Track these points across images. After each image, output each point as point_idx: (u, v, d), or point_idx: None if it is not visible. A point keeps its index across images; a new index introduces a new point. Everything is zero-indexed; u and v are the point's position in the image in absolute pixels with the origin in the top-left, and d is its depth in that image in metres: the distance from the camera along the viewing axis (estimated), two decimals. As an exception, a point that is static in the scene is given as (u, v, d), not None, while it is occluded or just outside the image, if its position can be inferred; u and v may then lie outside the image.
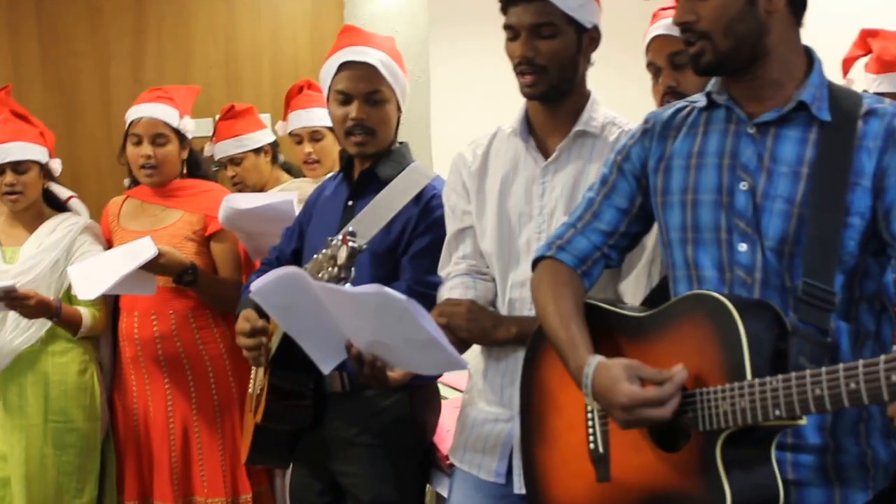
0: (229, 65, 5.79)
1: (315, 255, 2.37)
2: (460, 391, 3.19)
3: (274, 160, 4.43)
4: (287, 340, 2.67)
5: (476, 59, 4.81)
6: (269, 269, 3.02)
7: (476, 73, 4.84)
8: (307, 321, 2.27)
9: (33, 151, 3.66)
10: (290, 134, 4.13)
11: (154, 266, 3.39)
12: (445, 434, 2.88)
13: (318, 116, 4.01)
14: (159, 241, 3.50)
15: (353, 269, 2.23)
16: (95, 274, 3.40)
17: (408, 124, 4.95)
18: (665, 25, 2.58)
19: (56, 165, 3.77)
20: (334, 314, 2.18)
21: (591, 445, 2.01)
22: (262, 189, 4.27)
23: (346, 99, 2.80)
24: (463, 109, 4.83)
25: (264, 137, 4.36)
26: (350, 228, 2.29)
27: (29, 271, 3.58)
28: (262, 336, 2.80)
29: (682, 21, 1.95)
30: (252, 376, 3.14)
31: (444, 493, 2.73)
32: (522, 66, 2.34)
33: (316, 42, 5.95)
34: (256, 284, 2.25)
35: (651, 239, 2.27)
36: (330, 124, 3.72)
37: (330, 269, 2.24)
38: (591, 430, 2.02)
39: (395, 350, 2.19)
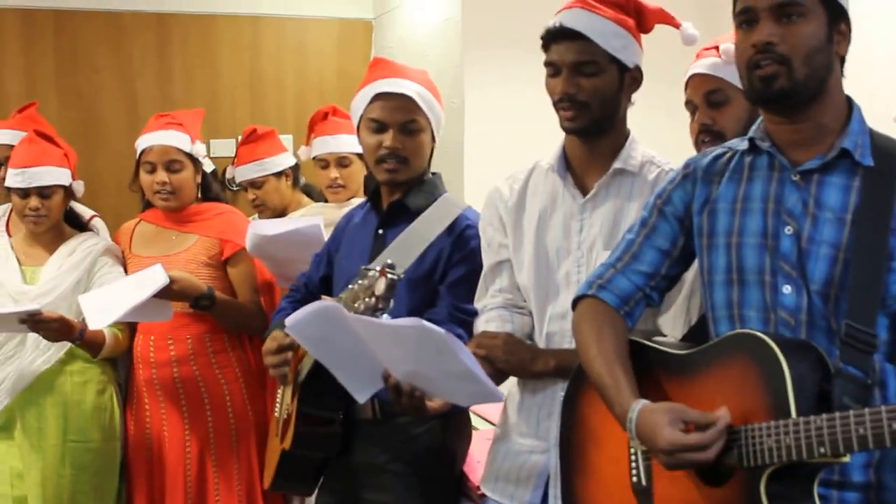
0: (254, 85, 5.97)
1: (350, 286, 2.45)
2: (490, 422, 3.30)
3: (295, 183, 4.55)
4: (317, 367, 2.79)
5: (510, 84, 4.92)
6: (297, 294, 3.20)
7: (510, 97, 4.95)
8: (342, 352, 2.36)
9: (58, 175, 3.75)
10: (313, 158, 4.22)
11: (169, 292, 3.50)
12: (475, 464, 2.97)
13: (345, 142, 4.11)
14: (175, 266, 3.63)
15: (391, 300, 2.31)
16: (107, 303, 3.50)
17: (441, 149, 5.09)
18: (703, 65, 2.70)
19: (79, 187, 3.87)
20: (371, 346, 2.28)
21: (634, 479, 2.10)
22: (283, 212, 4.40)
23: (379, 127, 2.91)
24: (496, 134, 4.94)
25: (285, 161, 4.48)
26: (389, 260, 2.37)
27: (50, 292, 3.67)
28: (287, 352, 2.89)
29: (764, 41, 2.00)
30: (278, 400, 3.23)
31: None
32: (564, 103, 2.45)
33: (343, 64, 6.14)
34: (291, 319, 2.34)
35: (690, 274, 2.36)
36: (357, 150, 3.89)
37: (367, 299, 2.32)
38: (633, 464, 2.11)
39: (433, 380, 2.28)
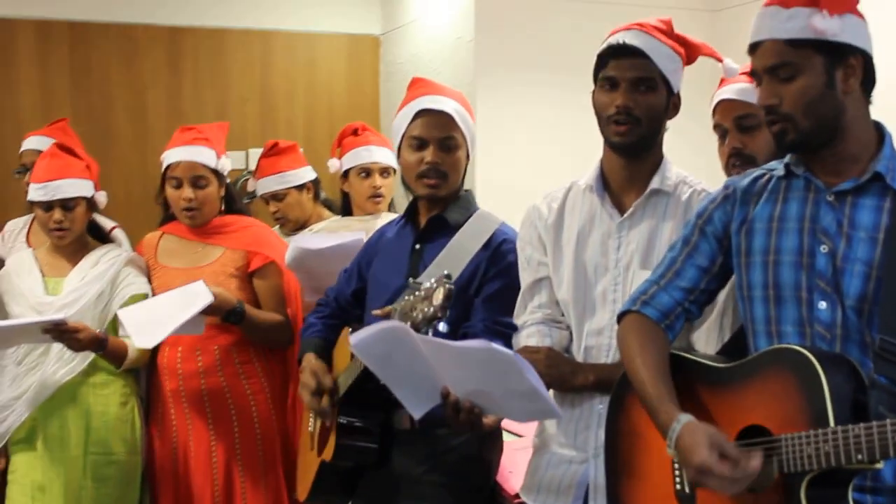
0: (264, 99, 6.12)
1: (406, 297, 2.60)
2: (516, 434, 3.45)
3: (315, 197, 4.69)
4: (357, 382, 2.95)
5: (521, 103, 5.09)
6: (326, 309, 3.36)
7: (521, 116, 5.12)
8: (402, 370, 2.48)
9: (81, 187, 3.85)
10: (347, 170, 4.35)
11: (208, 308, 3.62)
12: (507, 474, 3.13)
13: (387, 155, 4.29)
14: (201, 277, 3.74)
15: (448, 309, 2.47)
16: (150, 319, 3.61)
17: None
18: (732, 90, 2.87)
19: (101, 198, 3.96)
20: (433, 364, 2.41)
21: (678, 486, 2.26)
22: (304, 225, 4.53)
23: (420, 144, 3.06)
24: (507, 152, 5.09)
25: (307, 174, 4.62)
26: (446, 272, 2.53)
27: (73, 304, 3.77)
28: (329, 396, 3.04)
29: (767, 104, 2.23)
30: (311, 415, 3.37)
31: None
32: (619, 116, 2.61)
33: (352, 79, 6.31)
34: (356, 338, 2.46)
35: (722, 294, 2.53)
36: (393, 165, 4.07)
37: (426, 309, 2.47)
38: (677, 471, 2.27)
39: (494, 398, 2.41)
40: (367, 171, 4.28)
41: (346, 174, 4.36)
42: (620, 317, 2.46)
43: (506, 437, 3.60)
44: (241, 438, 3.89)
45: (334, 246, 3.73)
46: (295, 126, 6.05)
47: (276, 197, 4.53)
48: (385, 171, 4.30)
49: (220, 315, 3.72)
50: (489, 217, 3.13)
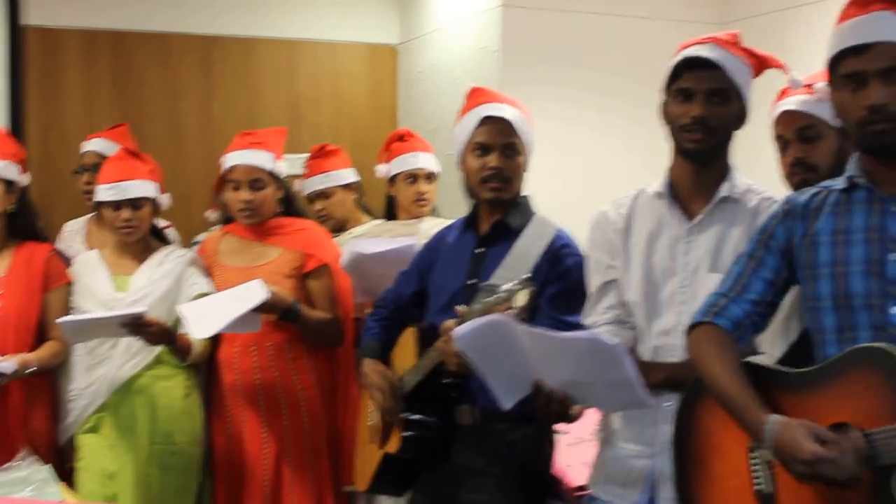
0: (290, 106, 6.14)
1: (485, 298, 2.63)
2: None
3: (357, 199, 4.72)
4: (424, 380, 2.99)
5: (546, 112, 5.11)
6: (384, 311, 3.41)
7: (546, 125, 5.14)
8: (498, 361, 2.51)
9: (147, 188, 3.91)
10: (394, 176, 4.39)
11: (262, 305, 3.66)
12: (565, 468, 3.17)
13: (432, 161, 4.34)
14: (258, 276, 3.78)
15: (531, 310, 2.51)
16: (208, 314, 3.65)
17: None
18: (794, 102, 2.90)
19: (165, 200, 4.02)
20: (532, 355, 2.44)
21: (758, 486, 2.28)
22: (344, 226, 4.56)
23: (484, 150, 3.10)
24: (533, 162, 5.10)
25: (352, 176, 4.67)
26: (528, 275, 2.57)
27: (142, 300, 3.80)
28: (394, 393, 3.12)
29: (877, 104, 2.24)
30: (371, 410, 3.40)
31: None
32: (695, 125, 2.64)
33: (372, 87, 6.36)
34: (459, 331, 2.50)
35: (788, 298, 2.56)
36: (437, 171, 4.11)
37: (509, 310, 2.52)
38: (756, 472, 2.29)
39: (589, 389, 2.45)
40: (413, 177, 4.32)
41: (392, 179, 4.38)
42: (691, 328, 2.49)
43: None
44: (290, 430, 3.93)
45: (389, 250, 3.77)
46: (319, 132, 6.04)
47: (324, 195, 4.56)
48: (430, 177, 4.34)
49: (277, 313, 3.76)
50: (547, 222, 3.17)
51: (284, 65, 6.16)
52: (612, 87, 5.47)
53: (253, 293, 3.64)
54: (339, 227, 4.57)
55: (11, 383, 3.75)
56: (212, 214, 4.73)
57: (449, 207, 4.79)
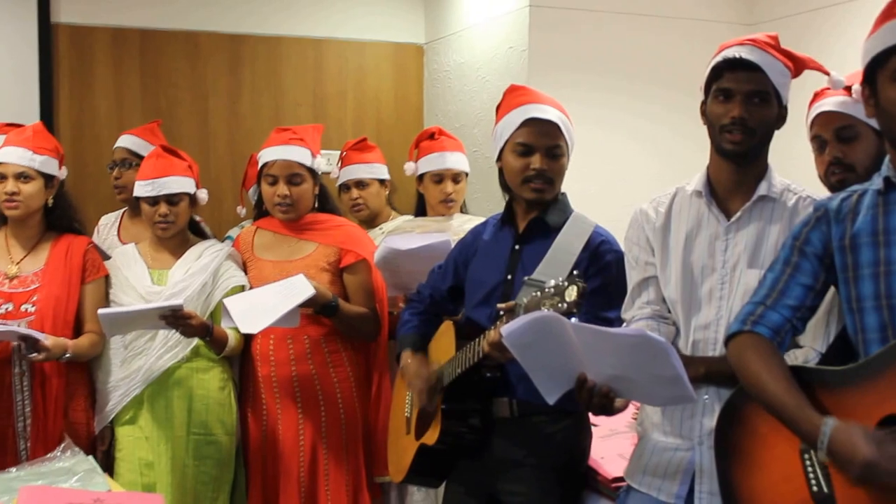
0: (316, 104, 6.17)
1: (532, 293, 2.65)
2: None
3: (388, 196, 4.77)
4: (463, 373, 3.02)
5: (574, 111, 5.12)
6: (420, 306, 3.46)
7: (575, 125, 5.16)
8: (544, 356, 2.53)
9: (184, 184, 3.94)
10: (422, 175, 4.42)
11: (306, 301, 3.69)
12: (600, 461, 3.19)
13: (460, 160, 4.35)
14: (296, 271, 3.82)
15: (581, 305, 2.53)
16: (253, 309, 3.69)
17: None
18: (831, 103, 2.93)
19: (202, 195, 4.05)
20: (578, 351, 2.46)
21: (815, 488, 2.29)
22: (374, 219, 4.61)
23: (526, 150, 3.12)
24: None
25: (386, 173, 4.72)
26: (576, 271, 2.59)
27: (180, 293, 3.84)
28: (434, 385, 3.16)
29: None
30: (407, 402, 3.43)
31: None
32: (735, 126, 2.65)
33: (397, 86, 6.38)
34: (507, 328, 2.52)
35: (827, 296, 2.58)
36: (466, 170, 4.13)
37: (558, 305, 2.53)
38: (811, 473, 2.30)
39: (635, 384, 2.47)
40: (439, 177, 4.36)
41: (420, 177, 4.40)
42: (730, 337, 2.51)
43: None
44: (326, 422, 3.95)
45: (423, 246, 3.80)
46: (344, 130, 6.08)
47: (361, 184, 4.60)
48: (457, 177, 4.36)
49: (316, 308, 3.79)
50: (584, 219, 3.19)
51: (311, 63, 6.18)
52: (639, 88, 5.49)
53: (299, 289, 3.68)
54: (369, 221, 4.59)
55: (51, 374, 3.81)
56: (241, 210, 4.76)
57: (472, 203, 4.82)
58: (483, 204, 5.23)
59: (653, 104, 5.49)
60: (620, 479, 3.01)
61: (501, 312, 2.84)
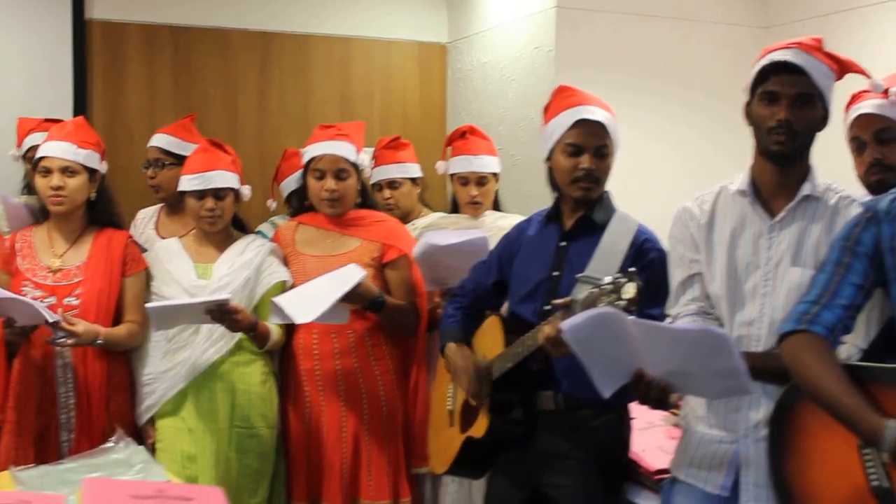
0: (343, 101, 6.24)
1: (589, 290, 2.69)
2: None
3: (420, 193, 4.80)
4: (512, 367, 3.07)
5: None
6: (464, 300, 3.50)
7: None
8: (602, 351, 2.58)
9: (230, 179, 3.97)
10: (452, 175, 4.46)
11: (352, 296, 3.74)
12: (641, 453, 3.24)
13: (486, 163, 4.38)
14: (339, 266, 3.85)
15: (639, 302, 2.58)
16: (305, 299, 3.72)
17: (531, 166, 5.36)
18: (870, 105, 3.01)
19: (246, 191, 4.08)
20: (636, 346, 2.51)
21: (875, 482, 2.33)
22: (406, 217, 4.62)
23: (576, 151, 3.17)
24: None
25: (418, 171, 4.75)
26: (633, 269, 2.63)
27: (224, 288, 3.86)
28: (481, 378, 3.20)
29: None
30: (449, 395, 3.47)
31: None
32: (780, 129, 2.70)
33: (422, 84, 6.44)
34: (568, 324, 2.56)
35: None
36: (495, 171, 4.18)
37: (615, 302, 2.58)
38: (871, 468, 2.34)
39: (692, 377, 2.51)
40: (465, 180, 4.39)
41: (452, 176, 4.44)
42: (783, 337, 2.55)
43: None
44: (369, 415, 3.99)
45: (462, 242, 3.83)
46: (370, 128, 6.03)
47: (393, 184, 4.61)
48: (482, 180, 4.39)
49: (364, 304, 3.83)
50: (628, 217, 3.24)
51: (338, 61, 6.24)
52: (664, 90, 5.56)
53: (350, 275, 3.72)
54: (401, 219, 4.61)
55: (94, 366, 3.85)
56: (272, 203, 4.78)
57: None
58: (508, 201, 5.27)
59: (674, 105, 5.57)
60: (663, 472, 3.07)
61: (550, 308, 2.90)
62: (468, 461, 3.38)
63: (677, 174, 5.49)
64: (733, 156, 5.60)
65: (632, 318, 2.47)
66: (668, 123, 5.56)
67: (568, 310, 2.74)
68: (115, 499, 2.51)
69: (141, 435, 3.89)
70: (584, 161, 3.15)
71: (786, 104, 2.70)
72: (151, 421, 3.94)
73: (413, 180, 4.66)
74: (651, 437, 3.38)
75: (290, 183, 4.71)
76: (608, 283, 2.63)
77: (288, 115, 6.04)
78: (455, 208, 4.54)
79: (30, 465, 3.09)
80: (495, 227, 4.18)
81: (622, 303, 2.57)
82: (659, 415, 3.52)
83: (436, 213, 4.72)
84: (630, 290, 2.57)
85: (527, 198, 5.33)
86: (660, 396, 2.57)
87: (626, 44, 5.50)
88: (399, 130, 5.93)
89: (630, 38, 5.51)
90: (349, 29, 6.24)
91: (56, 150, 3.86)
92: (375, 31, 6.31)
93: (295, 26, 6.10)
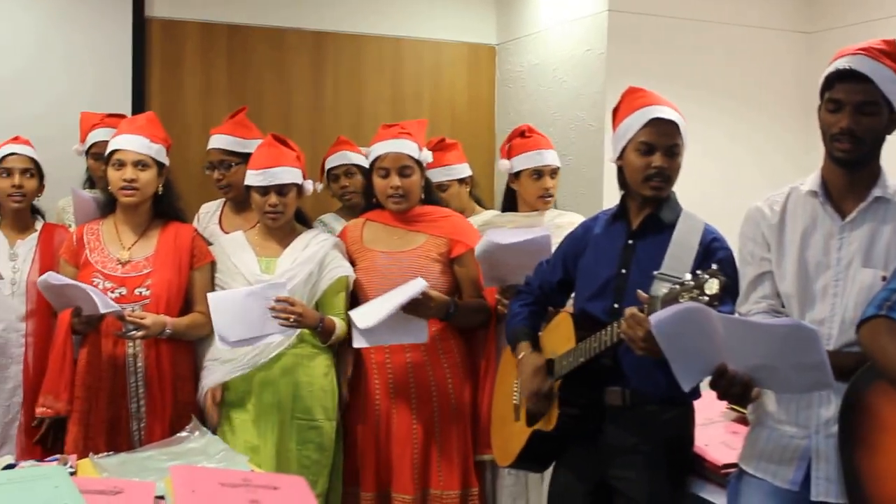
0: (395, 101, 6.27)
1: (671, 286, 2.70)
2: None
3: (470, 192, 4.82)
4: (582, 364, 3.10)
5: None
6: (530, 297, 3.53)
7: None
8: (686, 346, 2.60)
9: (293, 175, 4.00)
10: (516, 172, 4.44)
11: (427, 310, 3.81)
12: (704, 448, 3.26)
13: (555, 157, 4.42)
14: (408, 261, 3.94)
15: (722, 299, 2.60)
16: (373, 310, 3.81)
17: (580, 167, 5.38)
18: None
19: (309, 186, 4.11)
20: (720, 341, 2.53)
21: None
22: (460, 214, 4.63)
23: (648, 150, 3.18)
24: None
25: (466, 170, 4.79)
26: (715, 266, 2.65)
27: (287, 282, 3.89)
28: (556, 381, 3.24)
29: None
30: (515, 390, 3.50)
31: (712, 499, 3.12)
32: (843, 136, 2.73)
33: (471, 84, 6.48)
34: (656, 318, 2.59)
35: None
36: (559, 165, 4.20)
37: (698, 297, 2.60)
38: None
39: (776, 372, 2.53)
40: (539, 173, 4.38)
41: (516, 174, 4.45)
42: (863, 322, 2.58)
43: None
44: (438, 406, 4.05)
45: (524, 241, 3.84)
46: (421, 126, 6.17)
47: (441, 187, 4.64)
48: (554, 173, 4.41)
49: (441, 316, 3.92)
50: (694, 216, 3.26)
51: (389, 61, 6.29)
52: (715, 93, 5.57)
53: (412, 286, 3.78)
54: None
55: (164, 356, 3.92)
56: (319, 185, 4.76)
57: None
58: (560, 201, 5.29)
59: (728, 108, 5.58)
60: (729, 466, 3.09)
61: (618, 306, 2.93)
62: (534, 454, 3.41)
63: (735, 177, 5.52)
64: (775, 161, 5.66)
65: (718, 313, 2.49)
66: (723, 127, 5.60)
67: (650, 306, 2.76)
68: (203, 486, 2.54)
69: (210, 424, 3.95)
70: (656, 160, 3.17)
71: (849, 112, 2.72)
72: (217, 410, 3.99)
73: (461, 180, 4.69)
74: (712, 433, 3.40)
75: (331, 160, 4.95)
76: (689, 281, 2.65)
77: (340, 113, 6.08)
78: (509, 206, 4.54)
79: (108, 454, 3.13)
80: (553, 224, 4.20)
81: (704, 298, 2.59)
82: (718, 411, 3.55)
83: (490, 211, 4.74)
84: (714, 287, 2.59)
85: (575, 197, 5.37)
86: (741, 391, 2.59)
87: (679, 47, 5.53)
88: (447, 129, 5.98)
89: (684, 42, 5.54)
90: (400, 29, 6.28)
91: (130, 143, 3.92)
92: (426, 31, 6.35)
93: (348, 26, 6.14)
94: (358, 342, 3.84)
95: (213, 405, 3.97)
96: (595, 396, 3.20)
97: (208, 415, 3.97)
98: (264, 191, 3.96)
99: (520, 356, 3.40)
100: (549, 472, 3.51)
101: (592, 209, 3.87)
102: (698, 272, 2.65)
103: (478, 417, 4.13)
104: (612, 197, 5.09)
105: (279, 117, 5.96)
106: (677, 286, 2.67)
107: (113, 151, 3.94)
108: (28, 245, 4.22)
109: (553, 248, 3.71)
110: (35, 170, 4.27)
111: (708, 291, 2.59)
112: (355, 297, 4.08)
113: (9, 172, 4.20)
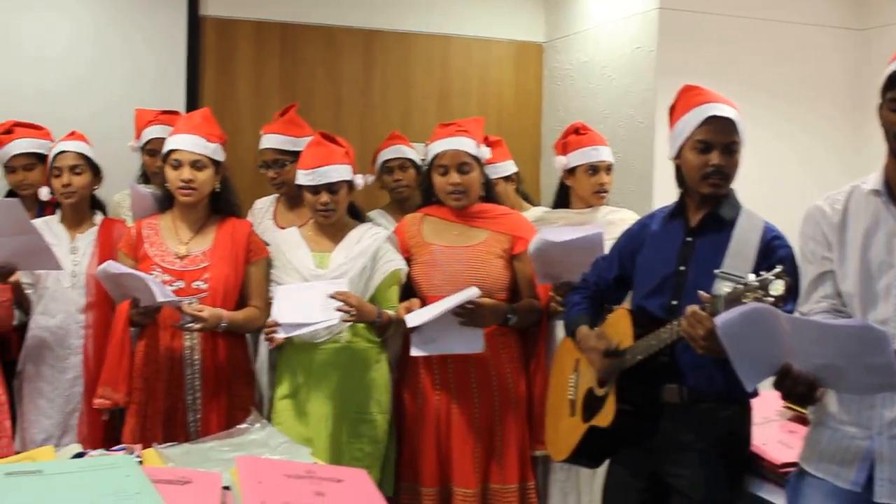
0: (443, 98, 6.29)
1: (735, 286, 2.67)
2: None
3: (517, 188, 4.81)
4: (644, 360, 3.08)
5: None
6: (587, 291, 3.51)
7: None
8: (750, 345, 2.57)
9: (343, 172, 3.99)
10: (572, 168, 4.43)
11: (484, 318, 3.84)
12: (762, 447, 3.23)
13: (610, 153, 4.42)
14: (470, 256, 3.96)
15: (787, 300, 2.58)
16: (424, 312, 3.85)
17: (629, 165, 5.36)
18: None
19: (359, 181, 4.10)
20: (785, 341, 2.51)
21: None
22: None
23: (706, 147, 3.16)
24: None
25: (511, 167, 4.78)
26: (779, 267, 2.62)
27: (342, 277, 3.91)
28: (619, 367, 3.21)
29: None
30: (571, 385, 3.49)
31: (770, 499, 3.09)
32: None
33: (518, 82, 6.48)
34: (722, 318, 2.55)
35: None
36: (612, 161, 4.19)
37: (763, 298, 2.57)
38: None
39: (842, 372, 2.50)
40: (594, 169, 4.37)
41: (571, 170, 4.44)
42: None
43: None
44: (499, 401, 4.06)
45: (578, 239, 3.83)
46: (468, 124, 6.17)
47: None
48: (609, 169, 4.40)
49: (499, 321, 3.95)
50: (754, 214, 3.23)
51: (438, 59, 6.31)
52: (764, 91, 5.53)
53: (465, 294, 3.79)
54: None
55: (220, 348, 3.94)
56: (370, 178, 4.76)
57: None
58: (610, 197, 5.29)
59: (780, 105, 5.54)
60: (787, 465, 3.06)
61: (676, 303, 2.92)
62: (589, 450, 3.39)
63: (793, 175, 5.49)
64: (823, 160, 5.62)
65: (785, 314, 2.47)
66: (775, 125, 5.57)
67: (712, 305, 2.74)
68: (269, 477, 2.54)
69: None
70: (714, 157, 3.14)
71: None
72: (270, 400, 4.03)
73: (506, 178, 4.68)
74: (769, 432, 3.37)
75: (386, 153, 4.95)
76: (754, 281, 2.62)
77: (389, 110, 6.10)
78: (561, 202, 4.53)
79: (171, 444, 3.14)
80: (606, 220, 4.19)
81: (770, 299, 2.57)
82: (775, 409, 3.52)
83: (539, 207, 4.73)
84: (779, 288, 2.56)
85: (626, 195, 5.34)
86: (806, 391, 2.57)
87: (730, 45, 5.50)
88: (495, 127, 5.99)
89: (734, 39, 5.51)
90: (449, 27, 6.30)
91: (186, 143, 3.94)
92: (474, 29, 6.36)
93: (397, 24, 6.17)
94: (416, 351, 3.86)
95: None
96: (652, 393, 3.18)
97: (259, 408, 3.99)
98: (315, 190, 3.96)
99: (580, 336, 3.38)
100: (599, 469, 3.50)
101: (642, 206, 3.86)
102: (762, 272, 2.62)
103: (531, 413, 4.13)
104: (661, 194, 5.11)
105: (329, 114, 5.99)
106: (741, 286, 2.64)
107: (170, 151, 3.95)
108: (88, 238, 4.25)
109: (606, 245, 3.70)
110: (85, 165, 4.26)
111: (773, 292, 2.57)
112: (412, 291, 4.08)
113: (59, 171, 4.22)
